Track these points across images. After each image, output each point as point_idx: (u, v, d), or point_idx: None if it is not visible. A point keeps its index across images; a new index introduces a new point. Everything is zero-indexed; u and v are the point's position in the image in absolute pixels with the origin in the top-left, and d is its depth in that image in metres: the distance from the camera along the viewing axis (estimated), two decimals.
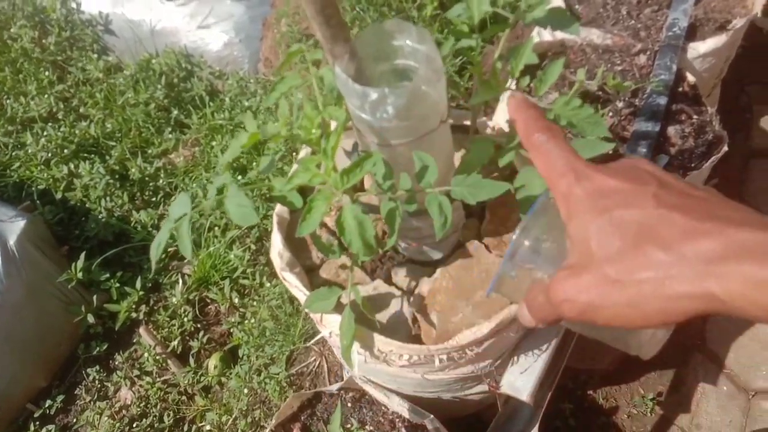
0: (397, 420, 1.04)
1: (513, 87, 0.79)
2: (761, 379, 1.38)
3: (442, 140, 0.74)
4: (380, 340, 0.81)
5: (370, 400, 1.07)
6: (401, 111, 0.65)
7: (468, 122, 1.01)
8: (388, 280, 0.93)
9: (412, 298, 0.89)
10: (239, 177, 1.86)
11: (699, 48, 1.38)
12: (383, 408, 1.05)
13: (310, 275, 0.94)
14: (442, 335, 0.83)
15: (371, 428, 1.03)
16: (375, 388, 1.02)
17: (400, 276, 0.92)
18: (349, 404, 1.07)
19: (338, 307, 0.83)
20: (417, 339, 0.86)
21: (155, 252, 0.69)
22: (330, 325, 0.85)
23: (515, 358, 0.92)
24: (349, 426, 1.00)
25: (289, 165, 1.77)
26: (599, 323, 0.41)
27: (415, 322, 0.87)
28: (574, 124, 0.75)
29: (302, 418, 1.05)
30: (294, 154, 1.82)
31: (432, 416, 1.00)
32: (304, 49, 0.76)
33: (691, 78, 1.34)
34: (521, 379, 0.90)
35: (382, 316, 0.88)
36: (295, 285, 0.87)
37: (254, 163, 1.89)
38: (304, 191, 0.88)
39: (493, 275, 0.89)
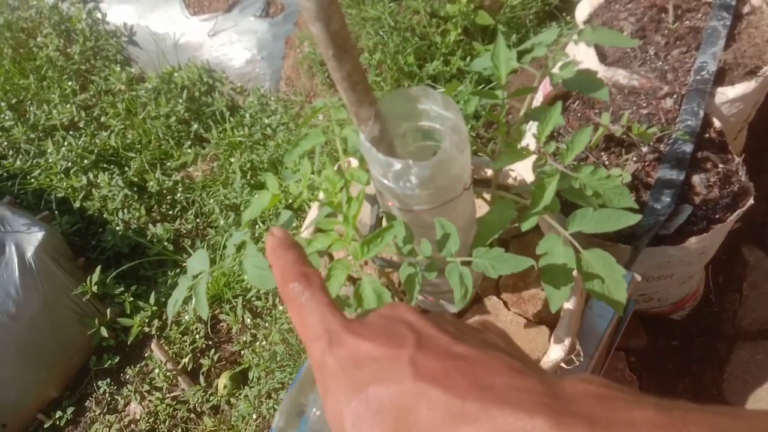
0: None
1: (539, 151, 0.77)
2: None
3: (464, 206, 0.73)
4: None
5: None
6: (425, 181, 0.64)
7: (488, 170, 1.00)
8: None
9: None
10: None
11: (728, 93, 1.35)
12: None
13: None
14: None
15: None
16: None
17: None
18: None
19: None
20: None
21: (172, 309, 0.68)
22: None
23: None
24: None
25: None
26: None
27: None
28: (600, 194, 0.74)
29: None
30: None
31: None
32: (329, 105, 0.76)
33: (717, 124, 1.32)
34: None
35: None
36: None
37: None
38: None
39: (510, 334, 0.88)
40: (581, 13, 1.66)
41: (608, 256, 0.70)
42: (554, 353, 0.82)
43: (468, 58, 1.88)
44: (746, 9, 1.49)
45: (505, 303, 0.90)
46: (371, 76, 1.90)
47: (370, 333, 0.35)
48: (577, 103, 1.37)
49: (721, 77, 1.38)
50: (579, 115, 1.34)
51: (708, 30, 1.43)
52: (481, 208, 1.00)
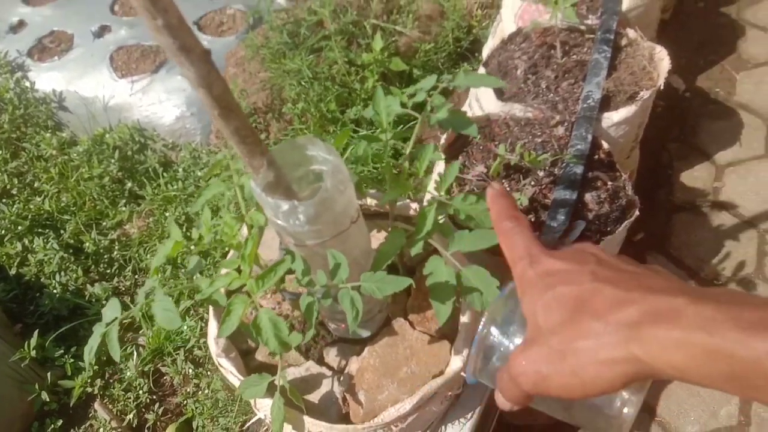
0: None
1: (431, 189, 0.87)
2: (690, 424, 1.46)
3: (355, 237, 0.81)
4: (310, 422, 0.87)
5: None
6: (312, 218, 0.73)
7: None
8: (321, 360, 0.99)
9: (342, 378, 0.95)
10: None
11: (612, 117, 1.50)
12: None
13: (246, 358, 0.99)
14: (369, 413, 0.89)
15: None
16: None
17: (332, 356, 0.98)
18: None
19: (272, 390, 0.88)
20: (346, 417, 0.92)
21: (88, 356, 0.74)
22: (264, 409, 0.90)
23: (443, 428, 0.98)
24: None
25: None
26: (552, 394, 0.44)
27: (345, 402, 0.93)
28: (472, 216, 0.83)
29: None
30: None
31: None
32: (229, 157, 0.84)
33: (605, 146, 1.46)
34: None
35: (314, 397, 0.94)
36: (229, 371, 0.93)
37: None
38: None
39: (416, 351, 0.96)
40: (485, 53, 1.81)
41: (484, 272, 0.80)
42: (455, 364, 0.90)
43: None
44: (624, 42, 1.66)
45: (411, 323, 0.98)
46: (296, 125, 2.00)
47: (562, 255, 0.48)
48: (479, 137, 1.49)
49: (606, 103, 1.53)
50: (481, 147, 1.46)
51: (592, 62, 1.59)
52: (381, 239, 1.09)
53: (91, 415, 1.81)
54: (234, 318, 0.70)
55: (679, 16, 2.37)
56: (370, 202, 1.13)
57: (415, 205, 1.09)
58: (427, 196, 0.93)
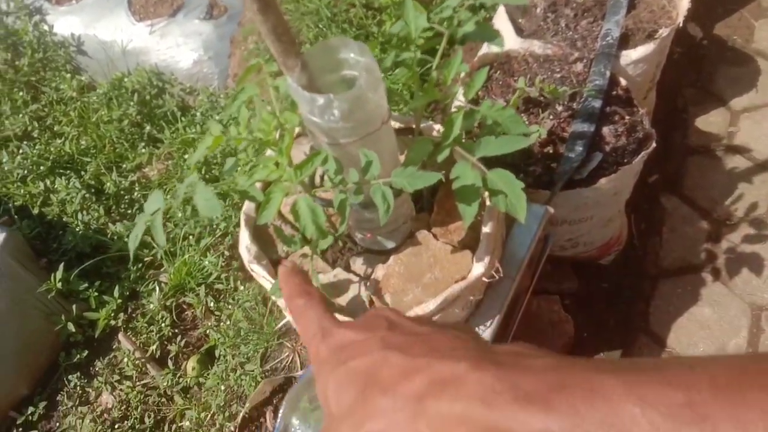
0: None
1: (459, 95, 0.90)
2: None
3: (385, 139, 0.84)
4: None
5: None
6: (345, 114, 0.75)
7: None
8: (347, 269, 1.03)
9: (368, 283, 0.99)
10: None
11: (631, 55, 1.51)
12: None
13: (276, 268, 1.03)
14: None
15: None
16: None
17: (358, 264, 1.02)
18: None
19: None
20: None
21: (132, 243, 0.78)
22: None
23: None
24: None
25: None
26: None
27: (371, 304, 0.97)
28: (499, 122, 0.86)
29: (274, 401, 1.14)
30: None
31: None
32: (262, 62, 0.87)
33: (623, 82, 1.47)
34: None
35: (342, 300, 0.98)
36: (262, 275, 0.97)
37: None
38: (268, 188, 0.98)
39: (439, 259, 1.00)
40: None
41: (509, 175, 0.83)
42: (476, 270, 0.94)
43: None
44: None
45: (434, 235, 1.02)
46: None
47: (354, 325, 0.42)
48: (498, 72, 1.50)
49: (625, 41, 1.54)
50: (500, 83, 1.48)
51: (611, 1, 1.59)
52: None
53: (115, 346, 1.88)
54: (273, 204, 0.73)
55: None
56: (394, 124, 1.15)
57: (438, 126, 1.12)
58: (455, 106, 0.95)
